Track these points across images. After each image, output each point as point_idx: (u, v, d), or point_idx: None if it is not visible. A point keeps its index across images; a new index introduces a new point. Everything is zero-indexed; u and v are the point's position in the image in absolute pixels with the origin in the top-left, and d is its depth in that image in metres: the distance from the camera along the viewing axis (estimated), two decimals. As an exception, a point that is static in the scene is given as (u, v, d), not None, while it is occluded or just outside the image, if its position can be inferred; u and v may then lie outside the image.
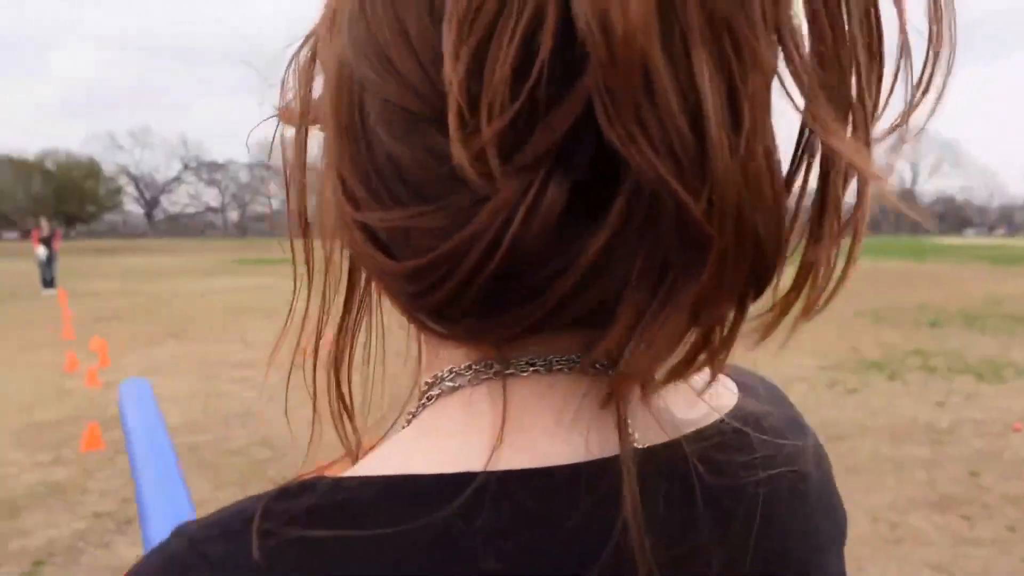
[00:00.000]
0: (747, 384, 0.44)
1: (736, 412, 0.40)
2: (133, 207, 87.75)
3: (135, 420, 1.75)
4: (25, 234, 78.00)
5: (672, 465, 0.35)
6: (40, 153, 77.89)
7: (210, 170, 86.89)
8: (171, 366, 7.90)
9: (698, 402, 0.38)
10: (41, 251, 16.09)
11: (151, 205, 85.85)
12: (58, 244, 16.68)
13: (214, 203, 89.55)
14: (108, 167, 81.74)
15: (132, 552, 3.48)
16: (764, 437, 0.39)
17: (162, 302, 14.32)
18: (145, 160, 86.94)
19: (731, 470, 0.36)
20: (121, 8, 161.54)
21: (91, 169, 78.61)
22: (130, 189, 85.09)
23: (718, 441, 0.37)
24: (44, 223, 16.64)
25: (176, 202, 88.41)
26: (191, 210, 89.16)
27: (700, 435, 0.37)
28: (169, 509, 1.62)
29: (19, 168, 74.51)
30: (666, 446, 0.35)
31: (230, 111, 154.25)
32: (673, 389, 0.33)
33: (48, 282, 16.11)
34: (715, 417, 0.39)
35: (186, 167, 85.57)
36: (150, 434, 1.70)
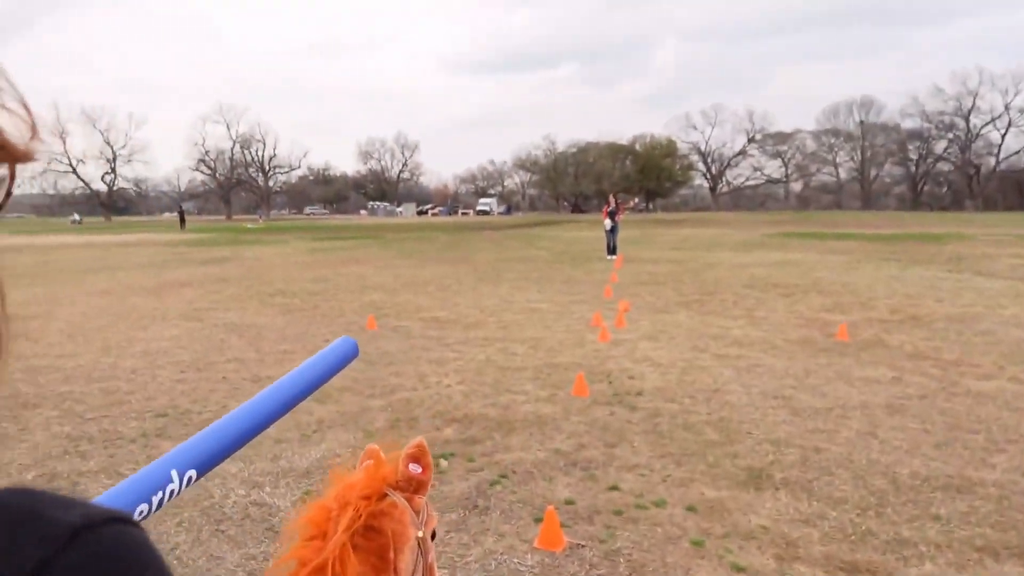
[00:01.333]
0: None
1: None
2: (701, 181, 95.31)
3: (306, 368, 1.92)
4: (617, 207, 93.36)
5: None
6: (632, 138, 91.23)
7: (775, 141, 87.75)
8: (669, 333, 8.50)
9: None
10: (607, 223, 19.08)
11: (716, 179, 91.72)
12: (620, 217, 19.49)
13: (776, 175, 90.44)
14: (683, 146, 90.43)
15: (561, 490, 3.98)
16: None
17: (694, 272, 15.35)
18: (715, 137, 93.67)
19: None
20: (704, 4, 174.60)
21: (669, 148, 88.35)
22: (700, 165, 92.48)
23: None
24: (612, 199, 19.61)
25: (739, 175, 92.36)
26: (752, 182, 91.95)
27: None
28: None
29: (616, 152, 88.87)
30: None
31: (803, 78, 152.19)
32: None
33: (611, 249, 18.99)
34: None
35: (751, 140, 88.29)
36: (293, 386, 1.85)
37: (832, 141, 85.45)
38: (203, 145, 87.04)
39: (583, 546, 3.34)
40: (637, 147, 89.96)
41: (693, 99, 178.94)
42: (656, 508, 3.75)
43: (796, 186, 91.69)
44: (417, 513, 1.10)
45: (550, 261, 18.82)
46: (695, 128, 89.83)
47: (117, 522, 0.44)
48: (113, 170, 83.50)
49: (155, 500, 1.35)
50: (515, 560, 3.22)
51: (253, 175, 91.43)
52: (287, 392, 1.80)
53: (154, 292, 13.23)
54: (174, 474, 1.41)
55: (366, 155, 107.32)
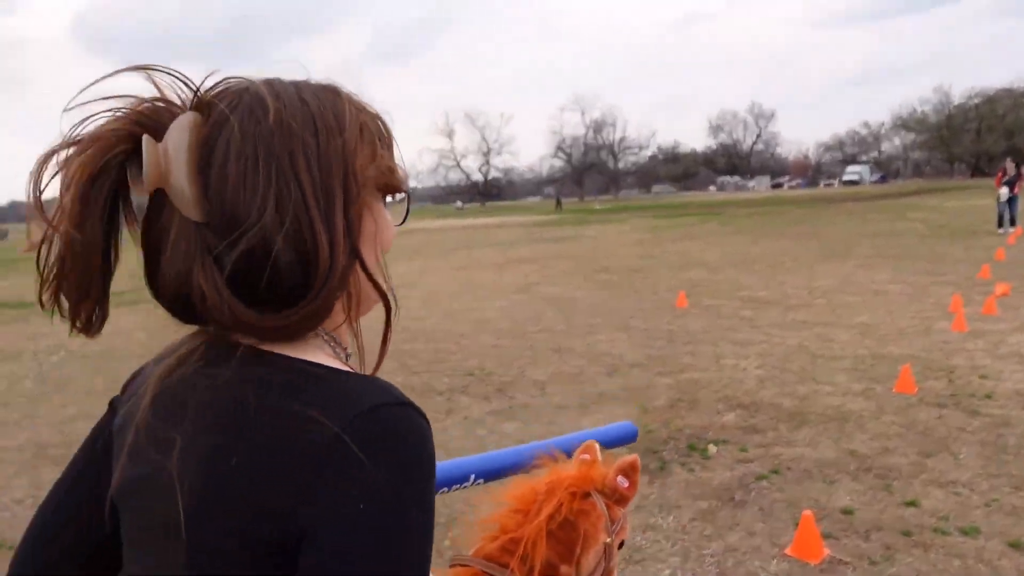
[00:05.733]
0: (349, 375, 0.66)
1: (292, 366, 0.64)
2: None
3: (580, 438, 1.95)
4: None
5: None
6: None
7: None
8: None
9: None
10: (1003, 192, 15.72)
11: None
12: (1020, 187, 15.90)
13: None
14: None
15: (841, 497, 3.41)
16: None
17: (1122, 247, 11.81)
18: None
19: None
20: None
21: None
22: None
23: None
24: (1009, 163, 16.10)
25: None
26: None
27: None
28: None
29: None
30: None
31: None
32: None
33: (1010, 220, 15.67)
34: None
35: None
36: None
37: None
38: (560, 132, 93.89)
39: (845, 563, 2.82)
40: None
41: None
42: (963, 536, 2.99)
43: None
44: (613, 522, 1.16)
45: (921, 235, 16.17)
46: None
47: (408, 407, 0.62)
48: (487, 162, 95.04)
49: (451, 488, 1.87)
50: (756, 563, 2.87)
51: (604, 158, 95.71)
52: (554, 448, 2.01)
53: (498, 267, 14.73)
54: (471, 477, 1.90)
55: (716, 129, 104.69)
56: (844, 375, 5.48)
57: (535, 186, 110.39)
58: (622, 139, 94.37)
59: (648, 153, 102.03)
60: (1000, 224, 15.90)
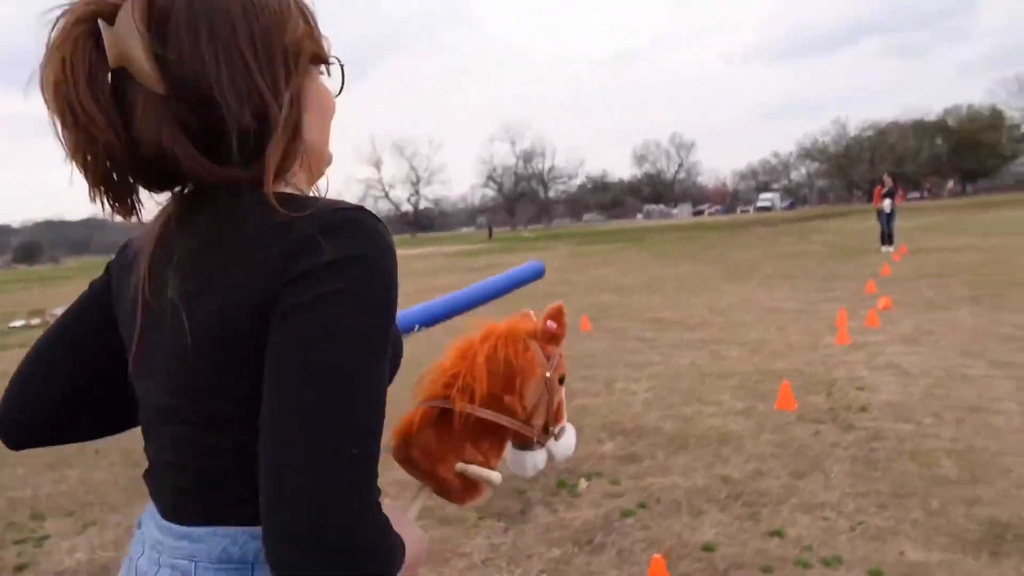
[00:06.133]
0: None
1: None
2: (1045, 155, 78.08)
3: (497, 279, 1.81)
4: (927, 192, 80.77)
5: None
6: (941, 112, 78.47)
7: None
8: (936, 335, 6.76)
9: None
10: (887, 203, 16.09)
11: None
12: (900, 201, 16.49)
13: None
14: (1013, 115, 75.04)
15: (706, 530, 3.18)
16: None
17: (1002, 261, 12.36)
18: (1061, 98, 75.70)
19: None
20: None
21: (992, 120, 74.00)
22: (1040, 135, 75.90)
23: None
24: (887, 178, 16.64)
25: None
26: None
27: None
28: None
29: (922, 130, 77.14)
30: None
31: None
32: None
33: (888, 237, 16.14)
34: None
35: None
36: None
37: None
38: (491, 162, 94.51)
39: (695, 609, 2.56)
40: (949, 122, 77.01)
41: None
42: (824, 568, 2.78)
43: None
44: (548, 359, 1.20)
45: (819, 256, 16.66)
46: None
47: (364, 210, 0.73)
48: (417, 192, 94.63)
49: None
50: (600, 616, 2.57)
51: (535, 187, 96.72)
52: (478, 292, 2.05)
53: (406, 296, 14.32)
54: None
55: (640, 159, 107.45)
56: (729, 393, 5.33)
57: (468, 216, 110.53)
58: (551, 168, 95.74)
59: (577, 182, 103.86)
60: (883, 241, 16.09)
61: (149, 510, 0.81)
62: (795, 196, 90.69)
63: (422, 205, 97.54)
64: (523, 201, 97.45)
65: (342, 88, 0.84)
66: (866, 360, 5.97)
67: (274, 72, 0.72)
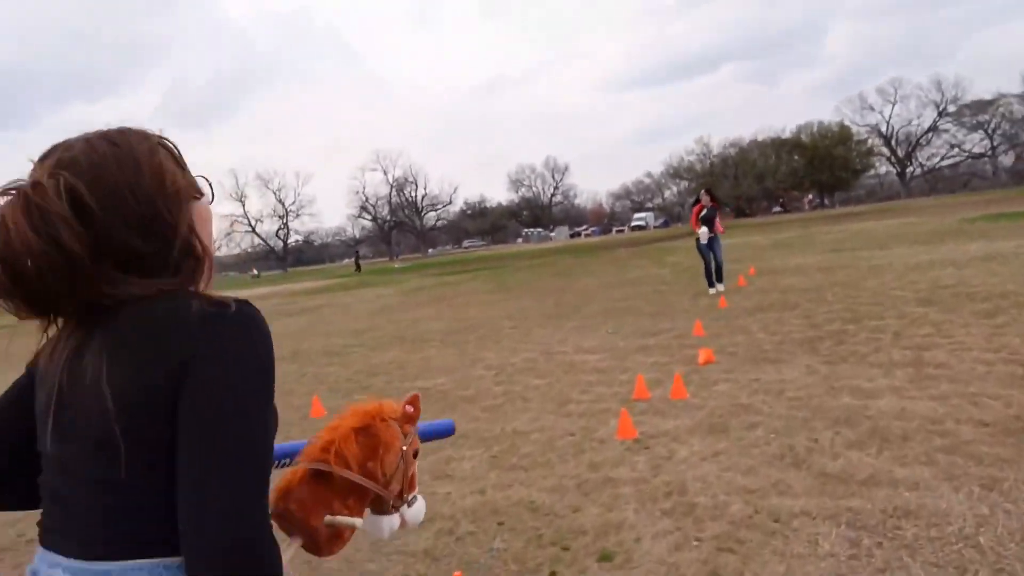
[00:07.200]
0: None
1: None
2: (888, 167, 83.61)
3: None
4: (782, 206, 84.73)
5: None
6: (795, 129, 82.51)
7: (973, 111, 74.60)
8: (756, 409, 4.76)
9: None
10: (703, 232, 12.11)
11: (903, 162, 79.97)
12: (720, 227, 12.28)
13: (978, 149, 76.99)
14: (859, 131, 79.81)
15: None
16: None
17: (848, 284, 10.99)
18: (897, 115, 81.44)
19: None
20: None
21: (841, 136, 78.37)
22: (884, 149, 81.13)
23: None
24: (704, 195, 12.56)
25: (933, 155, 79.76)
26: (950, 161, 78.95)
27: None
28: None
29: (779, 147, 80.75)
30: None
31: (1002, 39, 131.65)
32: None
33: (716, 275, 12.11)
34: None
35: (942, 113, 75.88)
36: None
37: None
38: (363, 192, 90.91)
39: None
40: (803, 138, 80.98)
41: (867, 81, 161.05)
42: None
43: (1007, 159, 77.57)
44: (405, 435, 1.33)
45: (662, 282, 15.03)
46: (871, 109, 78.88)
47: (248, 304, 0.94)
48: (286, 225, 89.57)
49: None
50: None
51: (410, 216, 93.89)
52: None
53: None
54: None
55: (516, 183, 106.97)
56: (409, 562, 3.02)
57: (347, 248, 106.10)
58: (424, 196, 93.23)
59: (455, 209, 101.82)
60: (710, 282, 11.98)
61: (45, 558, 0.93)
62: (669, 214, 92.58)
63: (292, 239, 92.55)
64: (401, 230, 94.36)
65: (213, 197, 1.08)
66: (642, 476, 3.83)
67: (171, 209, 0.97)
